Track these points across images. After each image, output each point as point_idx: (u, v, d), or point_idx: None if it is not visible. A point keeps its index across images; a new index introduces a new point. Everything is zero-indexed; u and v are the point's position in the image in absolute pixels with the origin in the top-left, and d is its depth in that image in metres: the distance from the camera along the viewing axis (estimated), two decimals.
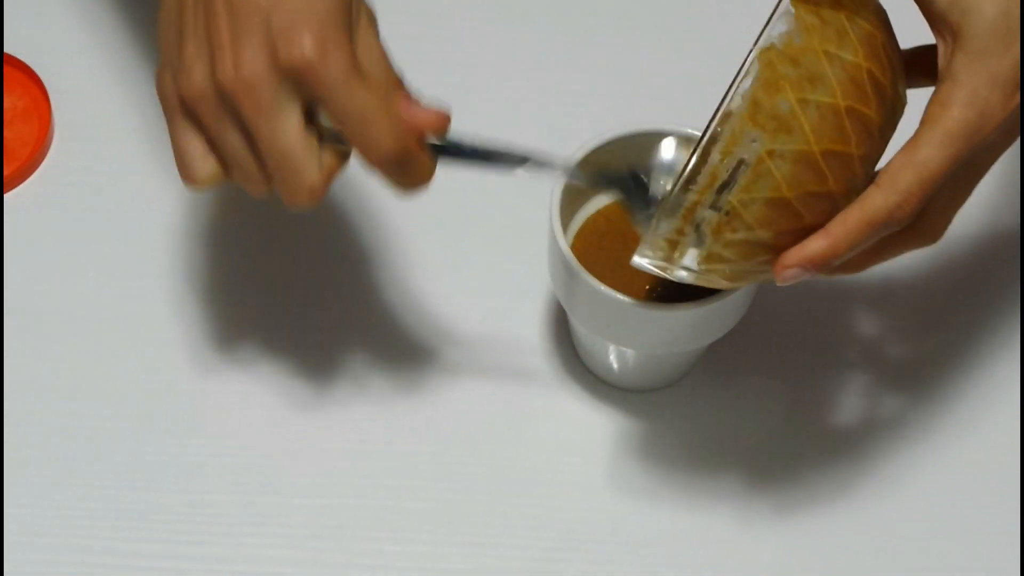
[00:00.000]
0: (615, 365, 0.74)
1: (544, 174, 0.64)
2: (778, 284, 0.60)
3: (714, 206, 0.58)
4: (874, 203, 0.58)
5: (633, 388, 0.76)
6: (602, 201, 0.73)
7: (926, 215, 0.61)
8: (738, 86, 0.57)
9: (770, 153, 0.57)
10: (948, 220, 0.62)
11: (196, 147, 0.61)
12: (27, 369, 0.76)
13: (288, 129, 0.59)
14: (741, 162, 0.57)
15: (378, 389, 0.76)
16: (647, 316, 0.67)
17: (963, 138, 0.58)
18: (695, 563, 0.72)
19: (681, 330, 0.69)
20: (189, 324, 0.77)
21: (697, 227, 0.58)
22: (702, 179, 0.58)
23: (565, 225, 0.69)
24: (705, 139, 0.58)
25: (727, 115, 0.57)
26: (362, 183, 0.81)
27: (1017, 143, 0.75)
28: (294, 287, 0.78)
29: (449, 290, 0.78)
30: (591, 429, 0.75)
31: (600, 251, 0.71)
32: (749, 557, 0.72)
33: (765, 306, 0.76)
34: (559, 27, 0.87)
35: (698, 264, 0.60)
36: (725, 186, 0.57)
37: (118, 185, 0.82)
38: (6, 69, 0.84)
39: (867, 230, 0.58)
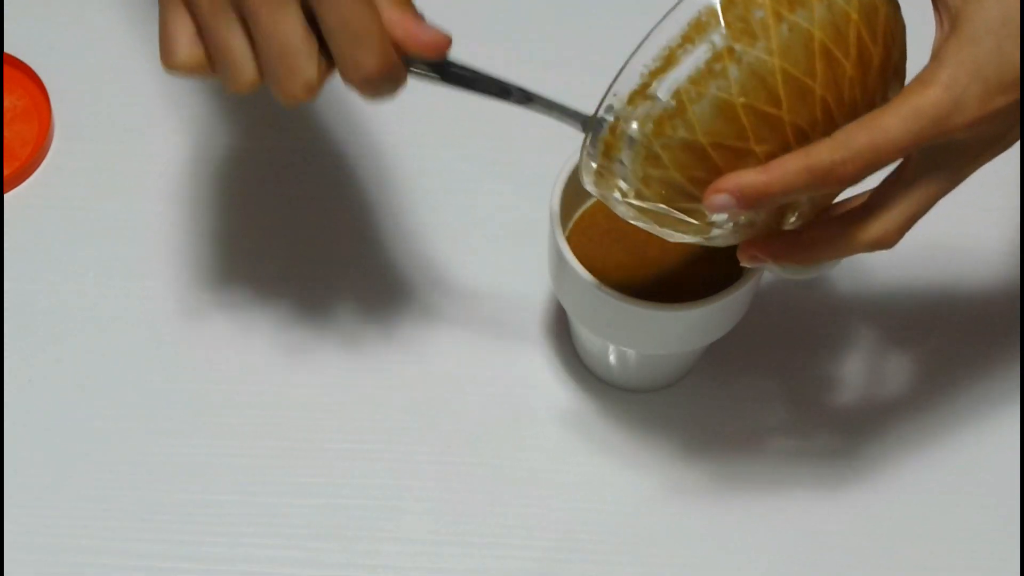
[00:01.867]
0: (615, 365, 0.74)
1: (534, 109, 0.61)
2: (707, 213, 0.58)
3: (660, 95, 0.56)
4: (820, 152, 0.56)
5: (633, 388, 0.76)
6: None
7: (885, 213, 0.60)
8: None
9: (729, 51, 0.55)
10: (907, 225, 0.60)
11: (185, 32, 0.60)
12: (27, 369, 0.76)
13: (291, 21, 0.58)
14: (699, 53, 0.55)
15: (377, 389, 0.76)
16: (647, 316, 0.67)
17: (930, 119, 0.56)
18: (695, 563, 0.72)
19: (681, 330, 0.69)
20: (190, 324, 0.77)
21: (640, 120, 0.56)
22: (655, 62, 0.56)
23: (565, 225, 0.69)
24: (667, 19, 0.56)
25: (697, 1, 0.55)
26: (360, 184, 0.82)
27: (1016, 145, 0.74)
28: (297, 292, 0.78)
29: (449, 290, 0.78)
30: (591, 429, 0.75)
31: (600, 248, 0.71)
32: (750, 557, 0.72)
33: (765, 306, 0.76)
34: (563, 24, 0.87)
35: (634, 166, 0.57)
36: (675, 74, 0.55)
37: (118, 185, 0.82)
38: (6, 69, 0.84)
39: (805, 177, 0.56)
